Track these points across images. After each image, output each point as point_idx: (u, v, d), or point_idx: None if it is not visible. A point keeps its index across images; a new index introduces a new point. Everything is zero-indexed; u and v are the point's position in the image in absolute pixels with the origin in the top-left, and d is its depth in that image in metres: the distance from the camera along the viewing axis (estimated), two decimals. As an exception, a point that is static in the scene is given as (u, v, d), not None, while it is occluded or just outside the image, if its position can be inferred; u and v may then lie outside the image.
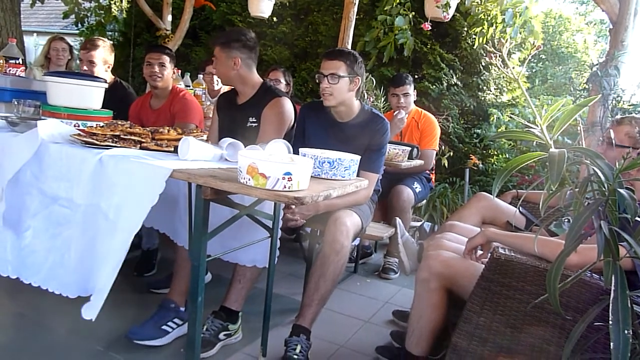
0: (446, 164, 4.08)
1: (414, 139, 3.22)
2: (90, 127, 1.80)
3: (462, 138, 4.61)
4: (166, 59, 2.62)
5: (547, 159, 1.00)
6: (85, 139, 1.64)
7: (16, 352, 1.78)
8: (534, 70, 8.23)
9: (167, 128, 1.83)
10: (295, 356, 1.79)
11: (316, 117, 2.23)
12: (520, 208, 2.32)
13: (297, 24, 5.45)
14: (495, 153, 4.69)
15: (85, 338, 1.89)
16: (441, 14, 3.28)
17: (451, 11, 3.30)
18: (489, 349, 1.50)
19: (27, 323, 1.97)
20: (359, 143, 2.12)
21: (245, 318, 2.06)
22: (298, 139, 2.25)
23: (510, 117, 4.51)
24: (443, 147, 4.09)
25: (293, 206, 1.99)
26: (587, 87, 3.17)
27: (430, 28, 3.39)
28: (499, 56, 1.12)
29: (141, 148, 1.70)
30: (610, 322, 0.95)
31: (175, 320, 1.95)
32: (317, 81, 2.13)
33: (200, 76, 3.55)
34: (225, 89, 3.53)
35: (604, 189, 0.98)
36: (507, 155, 4.58)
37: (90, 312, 1.40)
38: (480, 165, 4.47)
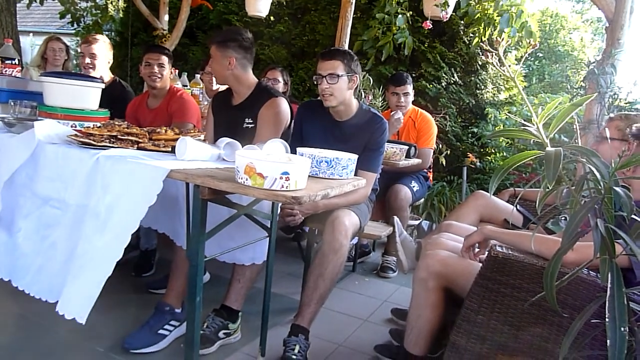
0: (444, 163, 4.09)
1: (411, 138, 3.22)
2: (87, 127, 1.80)
3: (460, 136, 4.61)
4: (165, 60, 2.62)
5: (544, 157, 1.00)
6: (82, 139, 1.63)
7: (16, 352, 1.78)
8: (531, 68, 8.24)
9: (165, 128, 1.83)
10: (294, 356, 1.80)
11: (314, 117, 2.23)
12: (518, 206, 2.33)
13: (295, 23, 5.44)
14: (493, 151, 4.69)
15: (85, 339, 1.89)
16: (440, 12, 3.28)
17: (449, 10, 3.30)
18: (487, 347, 1.51)
19: (27, 324, 1.97)
20: (357, 142, 2.12)
21: (244, 317, 2.06)
22: (296, 138, 2.25)
23: (508, 116, 4.52)
24: (440, 146, 4.09)
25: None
26: (583, 85, 3.17)
27: (430, 26, 3.39)
28: (496, 55, 1.12)
29: (138, 148, 1.70)
30: (607, 319, 0.95)
31: (172, 322, 1.95)
32: (315, 82, 2.13)
33: (198, 76, 3.54)
34: (223, 88, 3.53)
35: (600, 187, 0.98)
36: (505, 154, 4.59)
37: (75, 311, 1.36)
38: (478, 164, 4.48)
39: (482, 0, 3.93)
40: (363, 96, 3.19)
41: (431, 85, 4.58)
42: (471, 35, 4.43)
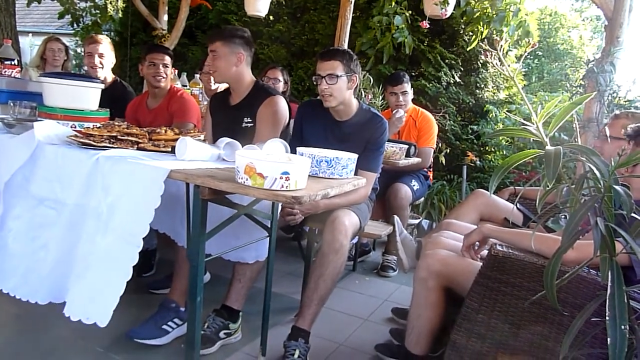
0: (444, 162, 4.09)
1: (412, 137, 3.22)
2: (86, 128, 1.80)
3: (459, 135, 4.61)
4: (168, 59, 2.63)
5: (544, 156, 1.00)
6: (81, 140, 1.63)
7: (15, 353, 1.78)
8: (530, 67, 8.24)
9: (165, 128, 1.83)
10: None
11: (314, 116, 2.23)
12: (518, 204, 2.33)
13: (294, 22, 5.44)
14: (493, 150, 4.69)
15: (84, 339, 1.89)
16: (439, 10, 3.28)
17: (450, 8, 3.30)
18: (487, 345, 1.51)
19: (27, 324, 1.97)
20: (357, 142, 2.12)
21: (245, 317, 2.06)
22: (296, 137, 2.25)
23: (507, 115, 4.51)
24: (440, 145, 4.10)
25: None
26: (583, 83, 3.17)
27: (428, 26, 3.39)
28: (495, 54, 1.12)
29: (138, 149, 1.70)
30: (607, 318, 0.95)
31: (176, 320, 1.96)
32: (314, 83, 2.12)
33: (197, 75, 3.54)
34: (222, 87, 3.53)
35: (599, 185, 0.98)
36: (505, 152, 4.59)
37: (94, 314, 1.36)
38: (478, 162, 4.48)
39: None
40: (363, 95, 3.19)
41: (431, 85, 4.58)
42: (470, 34, 4.43)
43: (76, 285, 1.43)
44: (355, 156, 1.74)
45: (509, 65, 1.11)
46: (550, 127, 1.08)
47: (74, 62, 4.72)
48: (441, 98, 4.58)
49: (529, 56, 7.79)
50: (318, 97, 2.17)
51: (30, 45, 10.29)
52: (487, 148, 4.68)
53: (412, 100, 3.31)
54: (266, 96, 2.18)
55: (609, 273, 0.99)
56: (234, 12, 5.68)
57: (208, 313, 1.98)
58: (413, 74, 4.60)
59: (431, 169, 3.40)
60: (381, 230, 2.59)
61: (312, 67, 4.88)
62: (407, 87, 3.19)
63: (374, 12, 3.81)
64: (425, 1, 3.38)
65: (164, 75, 2.59)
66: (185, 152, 1.59)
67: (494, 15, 3.66)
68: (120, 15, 6.85)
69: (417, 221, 3.56)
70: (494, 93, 4.88)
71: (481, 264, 1.53)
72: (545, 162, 0.98)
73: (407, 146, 2.93)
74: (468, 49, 4.43)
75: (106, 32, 6.73)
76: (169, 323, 1.94)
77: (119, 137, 1.70)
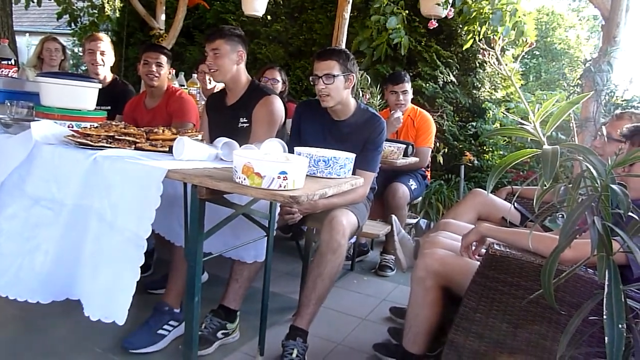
0: (441, 161, 4.09)
1: (410, 137, 3.22)
2: (84, 128, 1.79)
3: (457, 135, 4.62)
4: (163, 59, 2.61)
5: (541, 155, 1.01)
6: (79, 139, 1.63)
7: (15, 353, 1.78)
8: (528, 66, 8.26)
9: (162, 128, 1.83)
10: None
11: (312, 116, 2.23)
12: (515, 204, 2.33)
13: (291, 22, 5.44)
14: (490, 149, 4.70)
15: (83, 340, 1.89)
16: (441, 11, 3.28)
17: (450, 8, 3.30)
18: (485, 344, 1.51)
19: (26, 324, 1.97)
20: (355, 141, 2.12)
21: (243, 317, 2.06)
22: (294, 137, 2.24)
23: (505, 114, 4.52)
24: (438, 144, 4.10)
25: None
26: (580, 82, 3.18)
27: (435, 25, 3.38)
28: (492, 54, 1.13)
29: (136, 148, 1.70)
30: (605, 316, 0.96)
31: (171, 322, 1.95)
32: (312, 83, 2.13)
33: (195, 75, 3.54)
34: (219, 87, 3.52)
35: (597, 184, 0.99)
36: (502, 152, 4.59)
37: (112, 313, 1.38)
38: (476, 162, 4.49)
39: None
40: (361, 95, 3.19)
41: (428, 85, 4.58)
42: (465, 33, 4.44)
43: (90, 285, 1.45)
44: (353, 156, 1.74)
45: (506, 65, 1.11)
46: (548, 126, 1.08)
47: (71, 61, 4.71)
48: (438, 98, 4.58)
49: (526, 56, 7.80)
50: (316, 97, 2.17)
51: (27, 45, 10.27)
52: (484, 148, 4.69)
53: (410, 99, 3.31)
54: (262, 96, 2.19)
55: (606, 272, 0.99)
56: (232, 12, 5.68)
57: (206, 313, 1.98)
58: (411, 73, 4.60)
59: (429, 169, 3.41)
60: (379, 229, 2.59)
61: (309, 67, 4.88)
62: (408, 86, 3.19)
63: (371, 11, 3.80)
64: (422, 1, 3.39)
65: (157, 75, 2.58)
66: (182, 152, 1.59)
67: (491, 15, 3.66)
68: (117, 15, 6.83)
69: (415, 221, 3.56)
70: (491, 93, 4.88)
71: (479, 263, 1.53)
72: (543, 162, 0.98)
73: (404, 146, 2.93)
74: (464, 49, 4.43)
75: (103, 32, 6.72)
76: (165, 327, 1.93)
77: (116, 137, 1.70)
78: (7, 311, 2.03)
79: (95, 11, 6.09)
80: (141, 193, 1.40)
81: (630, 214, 0.95)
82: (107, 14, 6.39)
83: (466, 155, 4.39)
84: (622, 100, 3.78)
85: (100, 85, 2.13)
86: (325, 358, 1.98)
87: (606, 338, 0.94)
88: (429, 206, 4.10)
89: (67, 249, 1.50)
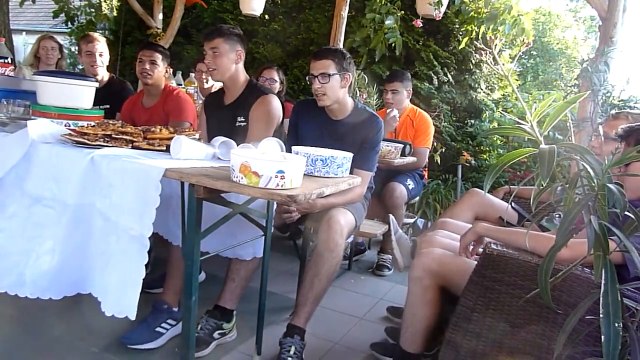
0: (439, 161, 4.09)
1: (408, 137, 3.22)
2: (81, 126, 1.79)
3: (454, 135, 4.62)
4: (158, 57, 2.60)
5: (538, 155, 1.01)
6: (76, 138, 1.62)
7: (12, 353, 1.77)
8: (525, 66, 8.28)
9: (159, 127, 1.82)
10: (290, 358, 1.80)
11: (310, 115, 2.23)
12: (513, 203, 2.34)
13: (289, 21, 5.43)
14: (488, 149, 4.71)
15: (80, 339, 1.89)
16: (433, 11, 3.29)
17: (442, 9, 3.30)
18: (482, 344, 1.52)
19: (23, 324, 1.96)
20: (352, 141, 2.12)
21: (240, 316, 2.06)
22: (291, 136, 2.24)
23: (502, 114, 4.53)
24: (435, 144, 4.10)
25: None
26: (577, 83, 3.19)
27: (421, 25, 3.39)
28: (490, 53, 1.13)
29: (133, 147, 1.69)
30: (601, 316, 0.96)
31: (169, 321, 1.95)
32: (308, 82, 2.13)
33: (192, 74, 3.54)
34: (217, 86, 3.52)
35: (593, 184, 0.99)
36: (500, 152, 4.60)
37: (125, 310, 1.41)
38: (473, 162, 4.49)
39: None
40: (358, 95, 3.19)
41: (423, 85, 4.58)
42: (462, 32, 4.44)
43: (100, 281, 1.47)
44: (350, 155, 1.74)
45: (503, 65, 1.11)
46: (545, 126, 1.09)
47: (68, 60, 4.69)
48: (434, 98, 4.59)
49: (523, 56, 7.83)
50: (313, 97, 2.17)
51: (24, 44, 10.22)
52: (482, 147, 4.69)
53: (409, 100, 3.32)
54: (259, 95, 2.19)
55: (603, 271, 0.99)
56: (230, 11, 5.66)
57: (202, 314, 1.97)
58: (408, 73, 4.60)
59: (426, 169, 3.41)
60: (376, 229, 2.59)
61: (307, 67, 4.87)
62: (399, 85, 3.19)
63: (367, 10, 3.80)
64: (418, 0, 3.39)
65: (150, 73, 2.57)
66: (180, 151, 1.58)
67: (488, 14, 3.67)
68: (114, 13, 6.81)
69: (412, 220, 3.57)
70: (488, 93, 4.89)
71: (476, 262, 1.54)
72: (540, 161, 0.99)
73: (402, 145, 2.93)
74: (459, 48, 4.44)
75: (100, 31, 6.70)
76: (163, 325, 1.93)
77: (113, 135, 1.69)
78: (3, 311, 2.02)
79: (92, 10, 6.07)
80: (140, 192, 1.41)
81: (626, 213, 0.96)
82: (104, 12, 6.37)
83: (463, 155, 4.39)
84: (619, 101, 3.79)
85: (97, 84, 2.13)
86: (323, 357, 1.98)
87: (603, 337, 0.95)
88: (426, 206, 4.10)
89: (73, 248, 1.51)
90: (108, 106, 2.23)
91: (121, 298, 1.42)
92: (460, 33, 4.59)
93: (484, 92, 4.84)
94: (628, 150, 1.41)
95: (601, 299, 0.97)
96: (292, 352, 1.81)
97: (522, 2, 3.71)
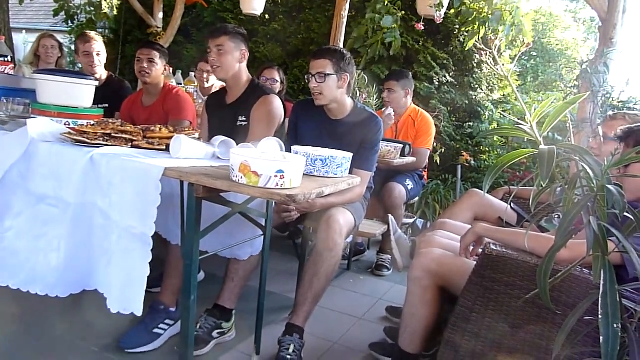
0: (438, 161, 4.09)
1: (409, 137, 3.22)
2: (80, 125, 1.79)
3: (454, 135, 4.62)
4: (156, 55, 2.59)
5: (537, 155, 1.01)
6: (75, 137, 1.62)
7: (11, 352, 1.77)
8: (525, 67, 8.29)
9: (159, 126, 1.82)
10: (289, 356, 1.80)
11: (309, 115, 2.23)
12: (512, 204, 2.34)
13: (290, 21, 5.43)
14: (487, 150, 4.71)
15: (79, 339, 1.89)
16: (434, 12, 3.29)
17: (443, 11, 3.30)
18: (481, 344, 1.52)
19: (22, 324, 1.96)
20: (352, 141, 2.12)
21: (239, 316, 2.06)
22: (291, 136, 2.24)
23: (502, 114, 4.53)
24: (435, 144, 4.10)
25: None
26: (577, 84, 3.19)
27: (422, 27, 3.39)
28: (490, 54, 1.13)
29: (133, 146, 1.69)
30: (600, 316, 0.96)
31: (167, 321, 1.94)
32: (307, 81, 2.14)
33: (192, 74, 3.53)
34: (217, 85, 3.52)
35: (592, 185, 0.99)
36: (499, 152, 4.60)
37: (131, 307, 1.42)
38: (472, 162, 4.49)
39: (477, 0, 3.94)
40: (358, 95, 3.19)
41: (423, 85, 4.59)
42: (465, 34, 4.44)
43: (105, 279, 1.48)
44: (350, 155, 1.74)
45: (503, 65, 1.11)
46: (544, 126, 1.09)
47: (68, 59, 4.68)
48: (434, 99, 4.59)
49: (523, 57, 7.83)
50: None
51: (24, 42, 10.21)
52: (481, 148, 4.69)
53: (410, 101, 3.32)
54: (261, 95, 2.19)
55: (602, 272, 0.99)
56: (230, 11, 5.66)
57: (201, 313, 1.97)
58: (409, 73, 4.60)
59: (426, 169, 3.41)
60: (376, 229, 2.59)
61: (307, 66, 4.88)
62: (395, 84, 3.19)
63: (367, 10, 3.80)
64: (419, 2, 3.39)
65: (148, 71, 2.57)
66: (179, 150, 1.58)
67: (489, 16, 3.66)
68: (115, 12, 6.80)
69: (411, 220, 3.57)
70: (488, 93, 4.89)
71: (475, 263, 1.54)
72: (539, 162, 0.99)
73: (402, 145, 2.94)
74: (462, 49, 4.44)
75: (101, 30, 6.70)
76: (160, 325, 1.92)
77: (113, 134, 1.69)
78: (3, 310, 2.02)
79: (92, 9, 6.06)
80: (140, 191, 1.41)
81: (625, 214, 0.96)
82: (104, 11, 6.36)
83: (463, 156, 4.39)
84: (619, 102, 3.80)
85: (97, 83, 2.13)
86: (321, 357, 1.98)
87: (601, 338, 0.95)
88: (425, 206, 4.10)
89: (77, 246, 1.52)
90: (107, 105, 2.23)
91: (126, 295, 1.43)
92: (462, 34, 4.59)
93: (484, 92, 4.84)
94: (627, 152, 1.41)
95: (600, 299, 0.97)
96: (291, 351, 1.81)
97: (522, 3, 3.71)
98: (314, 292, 1.90)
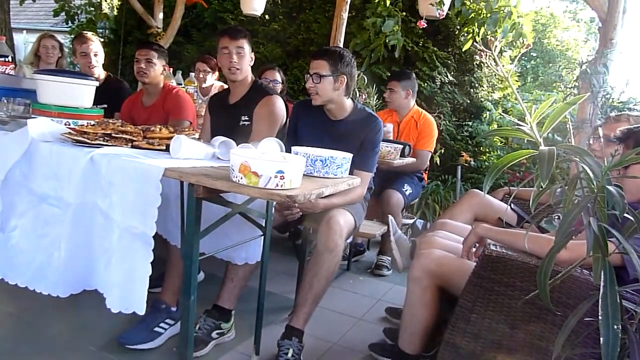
0: (438, 162, 4.10)
1: (411, 139, 3.22)
2: (81, 125, 1.79)
3: (454, 135, 4.62)
4: (154, 55, 2.58)
5: (537, 156, 1.01)
6: (76, 137, 1.62)
7: (9, 352, 1.77)
8: (525, 68, 8.29)
9: (159, 126, 1.82)
10: None
11: (309, 116, 2.23)
12: (512, 205, 2.34)
13: (290, 22, 5.43)
14: (487, 150, 4.71)
15: (78, 338, 1.89)
16: (435, 11, 3.29)
17: (445, 8, 3.30)
18: (481, 345, 1.52)
19: (20, 323, 1.96)
20: (352, 141, 2.12)
21: (239, 316, 2.06)
22: (290, 137, 2.24)
23: (502, 115, 4.53)
24: (435, 145, 4.10)
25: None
26: (577, 84, 3.19)
27: (425, 25, 3.39)
28: (490, 55, 1.13)
29: (133, 147, 1.69)
30: (600, 317, 0.96)
31: (167, 320, 1.94)
32: (305, 80, 2.15)
33: (192, 74, 3.54)
34: (216, 86, 3.52)
35: (593, 186, 0.99)
36: (499, 153, 4.60)
37: (133, 305, 1.42)
38: (472, 163, 4.49)
39: (476, 0, 3.94)
40: (358, 95, 3.19)
41: (425, 84, 4.59)
42: (465, 34, 4.44)
43: (105, 278, 1.48)
44: (350, 156, 1.74)
45: (503, 66, 1.11)
46: (544, 127, 1.09)
47: (68, 59, 4.68)
48: (436, 97, 4.59)
49: (524, 57, 7.83)
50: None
51: (24, 42, 10.21)
52: (481, 148, 4.69)
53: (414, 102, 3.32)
54: (263, 95, 2.20)
55: (602, 273, 0.99)
56: (230, 11, 5.66)
57: (200, 313, 1.97)
58: (412, 74, 4.60)
59: (426, 170, 3.41)
60: (376, 230, 2.59)
61: (307, 67, 4.87)
62: (396, 84, 3.20)
63: (368, 13, 3.81)
64: (420, 1, 3.39)
65: (146, 71, 2.56)
66: (179, 151, 1.58)
67: (489, 16, 3.66)
68: (115, 13, 6.81)
69: (411, 221, 3.57)
70: (488, 93, 4.89)
71: (475, 264, 1.54)
72: (539, 162, 0.99)
73: (402, 146, 2.93)
74: (463, 50, 4.44)
75: (101, 30, 6.70)
76: (161, 324, 1.92)
77: (113, 134, 1.69)
78: (1, 310, 2.02)
79: (93, 9, 6.06)
80: (141, 191, 1.42)
81: (625, 215, 0.96)
82: (104, 12, 6.36)
83: (463, 156, 4.39)
84: (619, 102, 3.79)
85: (97, 83, 2.13)
86: (321, 358, 1.98)
87: (601, 339, 0.95)
88: (425, 207, 4.10)
89: (78, 246, 1.53)
90: (105, 105, 2.23)
91: (128, 294, 1.43)
92: (462, 34, 4.59)
93: (485, 92, 4.84)
94: (627, 153, 1.41)
95: (600, 300, 0.97)
96: (290, 355, 1.81)
97: (522, 3, 3.71)
98: (314, 293, 1.90)
